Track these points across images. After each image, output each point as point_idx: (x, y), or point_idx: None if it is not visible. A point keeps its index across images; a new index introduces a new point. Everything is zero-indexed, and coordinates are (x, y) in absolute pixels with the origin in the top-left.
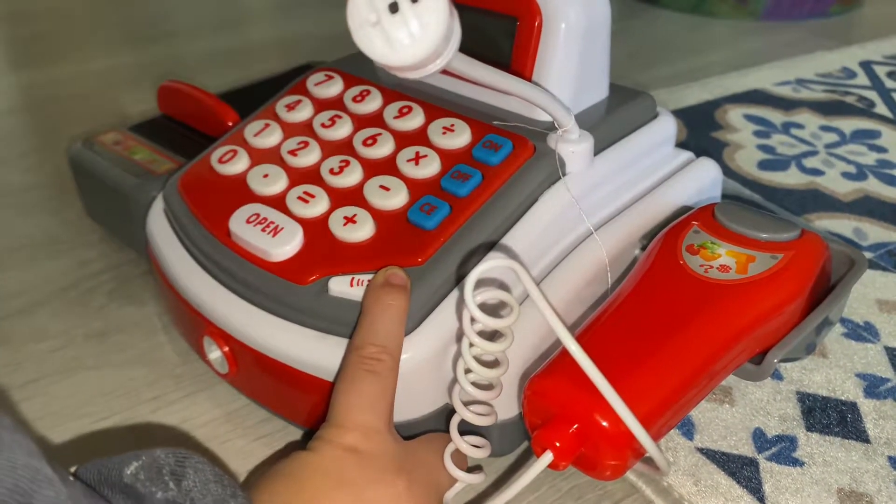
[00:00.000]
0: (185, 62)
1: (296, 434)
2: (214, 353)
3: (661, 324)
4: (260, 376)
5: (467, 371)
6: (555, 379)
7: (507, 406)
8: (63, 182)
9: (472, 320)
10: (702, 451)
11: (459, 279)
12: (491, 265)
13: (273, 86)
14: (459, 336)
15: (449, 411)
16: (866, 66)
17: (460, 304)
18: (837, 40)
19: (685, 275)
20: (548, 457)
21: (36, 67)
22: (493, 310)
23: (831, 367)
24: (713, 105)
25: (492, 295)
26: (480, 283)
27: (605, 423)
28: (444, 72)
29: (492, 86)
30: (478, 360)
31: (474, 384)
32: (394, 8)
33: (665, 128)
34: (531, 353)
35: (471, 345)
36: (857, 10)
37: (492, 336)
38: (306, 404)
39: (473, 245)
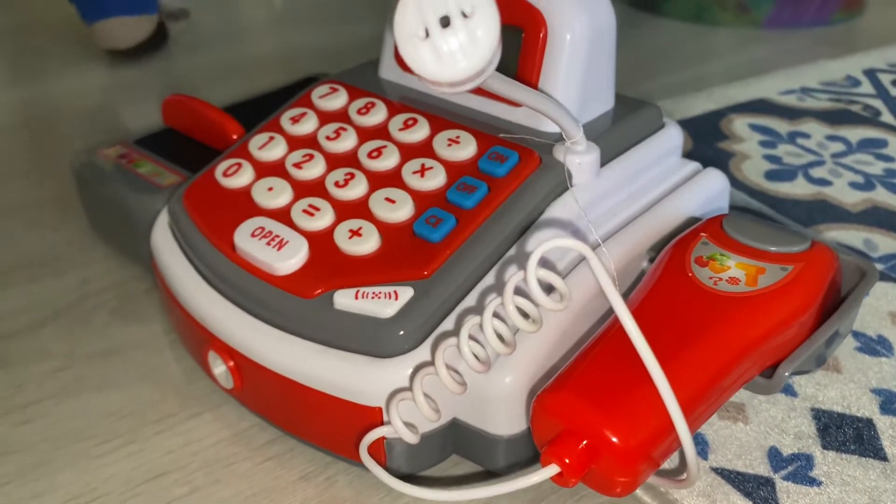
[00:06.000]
0: (186, 75)
1: (304, 453)
2: (219, 368)
3: (671, 337)
4: (265, 391)
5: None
6: (563, 394)
7: (514, 421)
8: (66, 197)
9: (517, 290)
10: (717, 470)
11: (466, 292)
12: (562, 244)
13: (277, 98)
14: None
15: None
16: (870, 74)
17: (466, 316)
18: (840, 48)
19: (694, 287)
20: (553, 468)
21: (37, 81)
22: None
23: (846, 382)
24: (718, 115)
25: (542, 274)
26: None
27: (615, 439)
28: None
29: (517, 101)
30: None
31: (472, 338)
32: (445, 22)
33: (671, 138)
34: (540, 367)
35: (496, 314)
36: (858, 18)
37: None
38: (312, 419)
39: (480, 258)
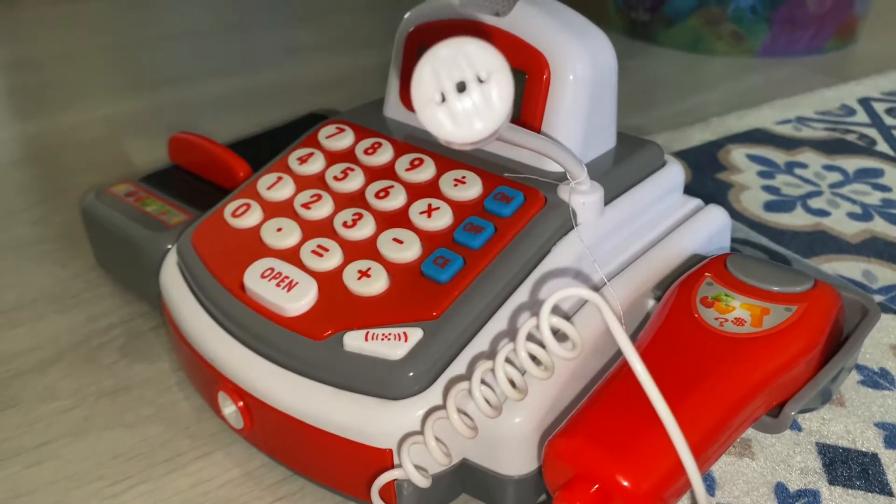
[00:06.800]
0: (189, 107)
1: (314, 493)
2: (229, 408)
3: (680, 379)
4: (275, 432)
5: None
6: (575, 439)
7: (523, 462)
8: (72, 233)
9: (529, 336)
10: None
11: (474, 334)
12: (575, 293)
13: (281, 134)
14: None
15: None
16: (865, 102)
17: (476, 361)
18: (834, 76)
19: (701, 329)
20: None
21: (42, 116)
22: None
23: (849, 416)
24: (716, 146)
25: (555, 322)
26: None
27: (626, 483)
28: None
29: (523, 146)
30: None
31: (485, 383)
32: (461, 87)
33: (673, 176)
34: (549, 407)
35: (507, 360)
36: (851, 46)
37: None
38: (321, 460)
39: (487, 298)
